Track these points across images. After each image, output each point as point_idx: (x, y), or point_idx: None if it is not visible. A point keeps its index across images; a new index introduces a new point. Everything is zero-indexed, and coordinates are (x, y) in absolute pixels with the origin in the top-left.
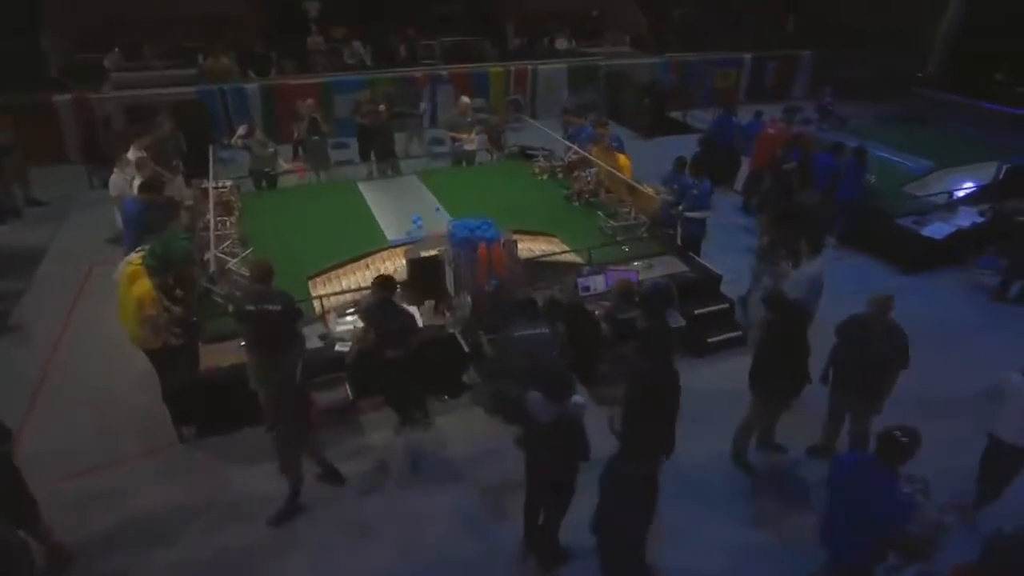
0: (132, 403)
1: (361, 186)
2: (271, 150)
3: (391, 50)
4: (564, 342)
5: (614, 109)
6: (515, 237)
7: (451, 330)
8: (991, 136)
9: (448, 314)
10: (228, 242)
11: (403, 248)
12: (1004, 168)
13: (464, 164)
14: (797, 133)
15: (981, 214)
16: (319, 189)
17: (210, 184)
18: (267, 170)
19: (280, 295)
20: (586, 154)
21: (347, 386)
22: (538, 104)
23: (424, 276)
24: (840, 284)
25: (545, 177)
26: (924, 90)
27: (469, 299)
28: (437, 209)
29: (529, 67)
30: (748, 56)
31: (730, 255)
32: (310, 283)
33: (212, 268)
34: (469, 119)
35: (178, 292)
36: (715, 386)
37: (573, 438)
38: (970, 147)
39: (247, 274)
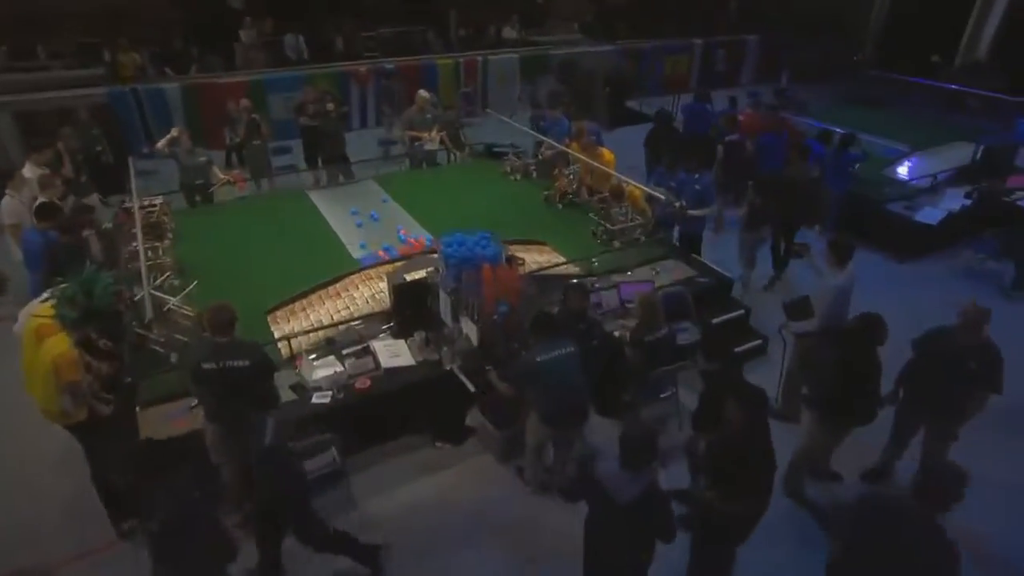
0: (53, 492)
1: (312, 196)
2: (203, 159)
3: (327, 43)
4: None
5: (570, 100)
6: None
7: (448, 366)
8: (947, 117)
9: (445, 347)
10: (166, 275)
11: (378, 270)
12: (981, 149)
13: (424, 166)
14: (780, 119)
15: (967, 196)
16: (264, 202)
17: (134, 203)
18: (200, 182)
19: (248, 348)
20: (565, 149)
21: (333, 449)
22: (490, 97)
23: (412, 304)
24: None
25: (518, 177)
26: (874, 71)
27: (472, 328)
28: (374, 218)
29: (479, 58)
30: (699, 42)
31: (716, 250)
32: (270, 319)
33: (146, 309)
34: (428, 115)
35: (104, 344)
36: None
37: (658, 515)
38: (932, 128)
39: (201, 322)
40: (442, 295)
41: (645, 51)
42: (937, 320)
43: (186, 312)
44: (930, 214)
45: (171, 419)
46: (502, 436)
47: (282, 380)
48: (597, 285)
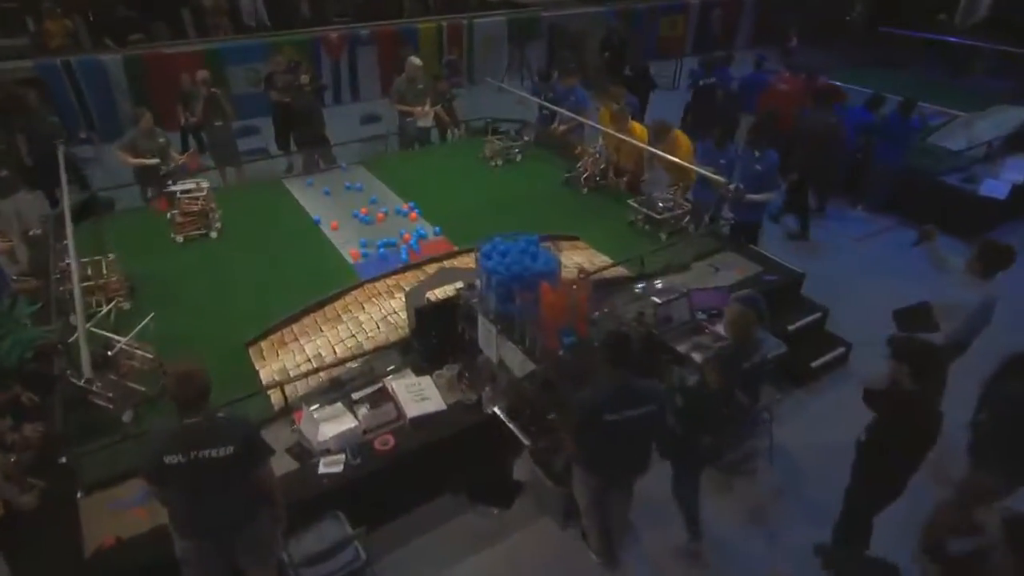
0: None
1: (290, 186)
2: (162, 140)
3: (291, 8)
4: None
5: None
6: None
7: (490, 410)
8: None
9: (487, 386)
10: (113, 301)
11: (387, 282)
12: None
13: (416, 146)
14: (824, 87)
15: None
16: (233, 196)
17: (65, 205)
18: (162, 170)
19: (229, 430)
20: (584, 121)
21: (356, 544)
22: (476, 65)
23: (439, 330)
24: (894, 264)
25: (499, 163)
26: (884, 29)
27: (523, 360)
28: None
29: (464, 21)
30: (696, 1)
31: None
32: (252, 352)
33: (84, 356)
34: (421, 85)
35: (27, 398)
36: (838, 433)
37: None
38: (964, 92)
39: (164, 385)
40: (482, 322)
41: (640, 11)
42: None
43: (144, 354)
44: (995, 187)
45: (125, 508)
46: (562, 492)
47: (277, 440)
48: (663, 293)
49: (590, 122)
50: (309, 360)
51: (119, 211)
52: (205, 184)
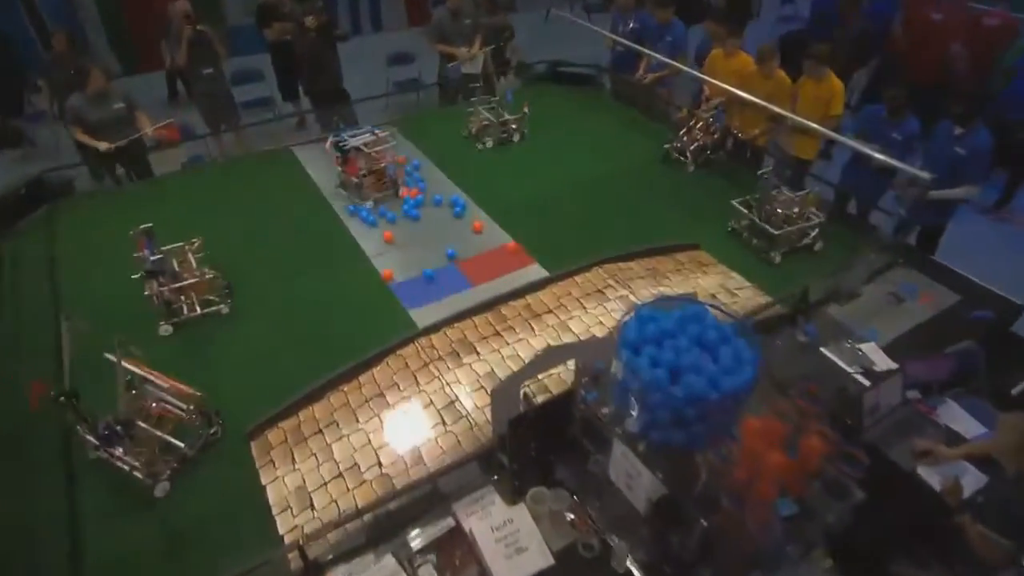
0: None
1: (302, 157)
2: (119, 104)
3: None
4: None
5: None
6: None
7: (624, 568)
8: None
9: (616, 537)
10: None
11: (448, 337)
12: None
13: (460, 98)
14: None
15: None
16: (226, 172)
17: None
18: (121, 141)
19: None
20: (680, 66)
21: None
22: None
23: (540, 438)
24: None
25: (488, 144)
26: None
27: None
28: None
29: None
30: None
31: None
32: (255, 449)
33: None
34: (467, 21)
35: None
36: None
37: None
38: None
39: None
40: (620, 450)
41: None
42: None
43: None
44: None
45: None
46: None
47: None
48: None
49: (695, 72)
50: (339, 473)
51: (81, 194)
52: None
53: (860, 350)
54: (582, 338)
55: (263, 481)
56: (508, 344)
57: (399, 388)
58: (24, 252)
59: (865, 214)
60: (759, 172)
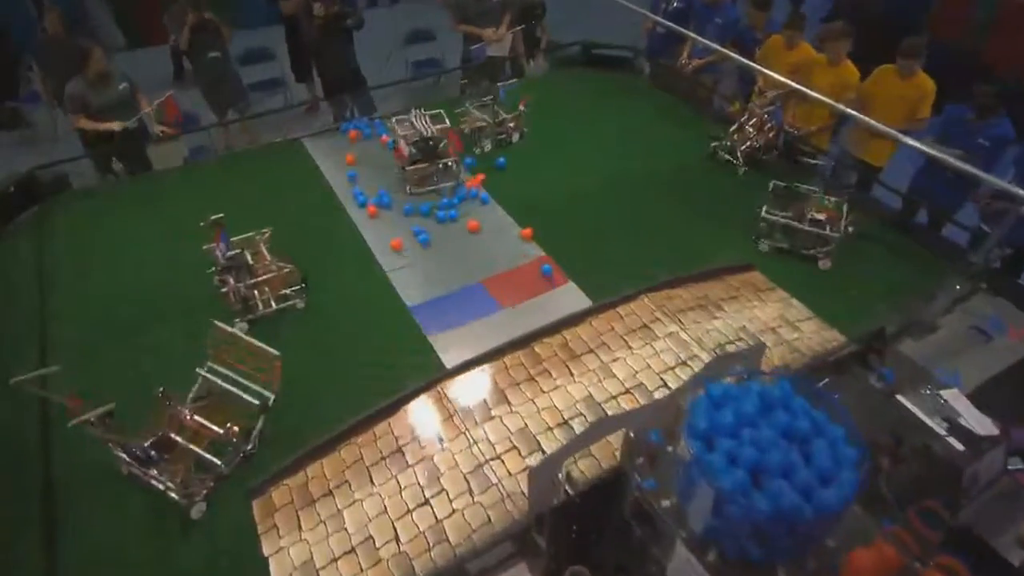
0: None
1: (312, 150)
2: (123, 85)
3: None
4: None
5: None
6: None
7: None
8: None
9: None
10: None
11: (473, 378)
12: None
13: (487, 84)
14: None
15: None
16: (230, 169)
17: None
18: (128, 124)
19: None
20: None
21: None
22: None
23: (583, 518)
24: None
25: (487, 148)
26: None
27: None
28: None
29: None
30: None
31: None
32: (257, 511)
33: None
34: None
35: None
36: None
37: None
38: None
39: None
40: (682, 553)
41: None
42: None
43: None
44: None
45: None
46: None
47: None
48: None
49: (729, 53)
50: (352, 548)
51: (79, 189)
52: None
53: (942, 398)
54: (627, 384)
55: (265, 552)
56: (543, 392)
57: (419, 444)
58: (16, 256)
59: (938, 228)
60: (812, 162)
